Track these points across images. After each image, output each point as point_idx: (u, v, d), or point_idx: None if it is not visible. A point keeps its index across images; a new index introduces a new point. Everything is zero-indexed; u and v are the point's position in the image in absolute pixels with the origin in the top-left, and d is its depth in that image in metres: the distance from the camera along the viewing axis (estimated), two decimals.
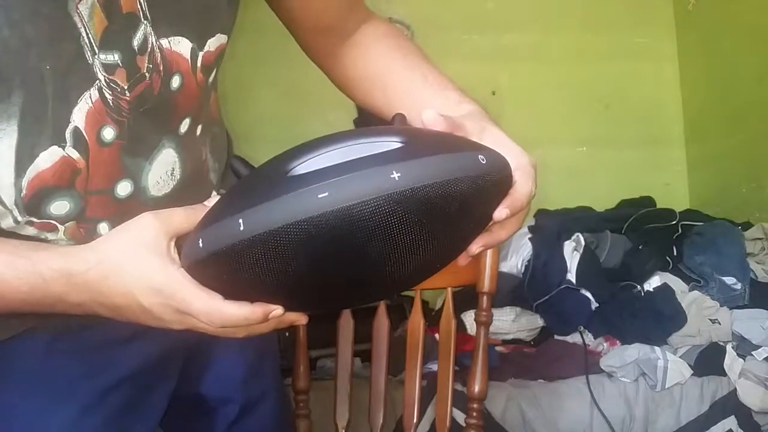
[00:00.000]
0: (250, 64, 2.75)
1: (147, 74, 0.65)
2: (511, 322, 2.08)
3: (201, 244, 0.53)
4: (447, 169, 0.49)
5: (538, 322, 2.11)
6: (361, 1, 0.87)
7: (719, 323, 1.98)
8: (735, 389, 1.82)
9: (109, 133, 0.64)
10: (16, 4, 0.54)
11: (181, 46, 0.68)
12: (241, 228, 0.49)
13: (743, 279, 2.08)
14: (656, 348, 1.92)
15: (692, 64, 2.87)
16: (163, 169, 0.71)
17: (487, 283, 1.29)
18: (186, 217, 0.57)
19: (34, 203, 0.62)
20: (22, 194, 0.60)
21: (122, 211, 0.66)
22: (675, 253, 2.25)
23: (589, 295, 2.13)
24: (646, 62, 2.92)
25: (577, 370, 1.90)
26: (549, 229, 2.31)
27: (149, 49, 0.65)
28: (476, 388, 1.27)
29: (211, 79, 0.75)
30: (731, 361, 1.87)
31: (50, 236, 0.66)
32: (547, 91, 2.90)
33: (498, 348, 2.02)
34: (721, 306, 2.03)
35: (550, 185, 2.82)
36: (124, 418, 0.76)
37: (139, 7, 0.63)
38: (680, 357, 1.92)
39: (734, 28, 2.55)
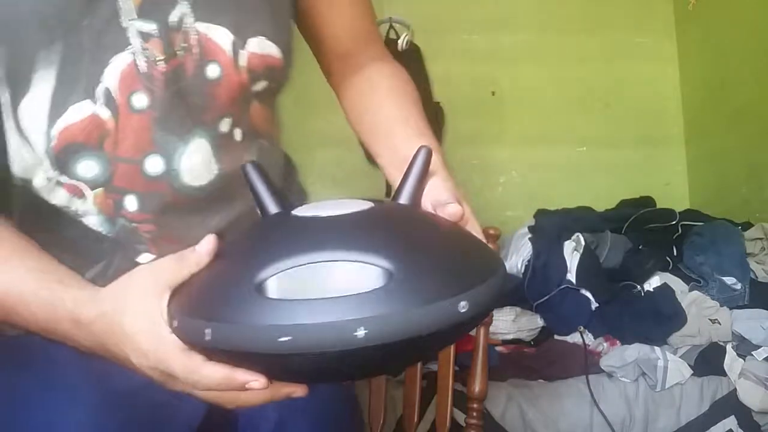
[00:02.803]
0: None
1: (181, 52, 0.67)
2: (511, 322, 2.08)
3: (175, 325, 0.54)
4: (419, 326, 0.48)
5: (538, 322, 2.11)
6: (379, 39, 0.91)
7: (719, 323, 1.98)
8: (735, 389, 1.82)
9: (140, 100, 0.66)
10: None
11: (220, 35, 0.69)
12: (207, 338, 0.50)
13: (743, 279, 2.08)
14: (656, 348, 1.92)
15: (692, 64, 2.87)
16: (199, 157, 0.71)
17: None
18: (176, 269, 0.56)
19: (62, 157, 0.64)
20: (52, 144, 0.64)
21: (152, 190, 0.68)
22: (675, 253, 2.25)
23: (589, 295, 2.13)
24: (646, 62, 2.93)
25: (577, 370, 1.90)
26: (549, 229, 2.31)
27: (184, 29, 0.67)
28: (476, 388, 1.27)
29: (257, 87, 0.75)
30: (731, 361, 1.87)
31: (80, 205, 0.68)
32: (547, 91, 2.90)
33: (498, 348, 2.02)
34: (721, 306, 2.03)
35: (550, 185, 2.85)
36: (151, 420, 0.75)
37: None
38: (680, 357, 1.92)
39: (734, 28, 2.55)
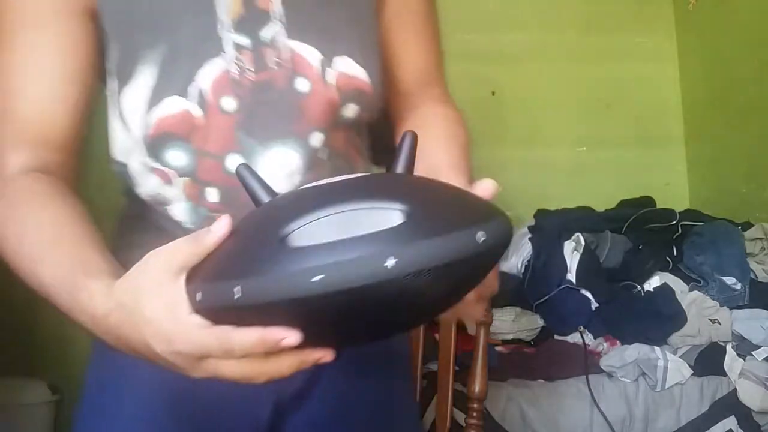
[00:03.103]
0: None
1: (273, 67, 0.74)
2: (511, 322, 2.08)
3: (199, 298, 0.53)
4: (443, 254, 0.50)
5: (538, 322, 2.11)
6: (441, 81, 0.92)
7: (719, 323, 1.98)
8: (735, 389, 1.82)
9: (229, 104, 0.73)
10: None
11: (308, 52, 0.75)
12: (236, 296, 0.50)
13: (743, 279, 2.08)
14: (656, 348, 1.92)
15: (692, 64, 2.87)
16: (279, 164, 0.74)
17: None
18: (191, 250, 0.55)
19: (155, 145, 0.72)
20: (148, 131, 0.72)
21: (230, 185, 0.72)
22: (675, 253, 2.25)
23: (589, 295, 2.13)
24: (646, 62, 2.92)
25: (577, 370, 1.90)
26: (549, 229, 2.31)
27: (277, 46, 0.74)
28: (476, 388, 1.27)
29: (348, 111, 0.77)
30: (731, 361, 1.87)
31: (168, 191, 0.75)
32: (547, 91, 2.90)
33: (498, 348, 2.02)
34: (721, 306, 2.03)
35: (550, 185, 2.85)
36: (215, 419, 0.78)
37: (272, 7, 0.74)
38: (680, 357, 1.92)
39: (734, 28, 2.55)
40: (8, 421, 2.31)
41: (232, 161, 0.73)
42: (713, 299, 2.05)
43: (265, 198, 0.59)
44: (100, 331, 0.59)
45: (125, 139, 0.75)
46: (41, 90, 0.72)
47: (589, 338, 2.02)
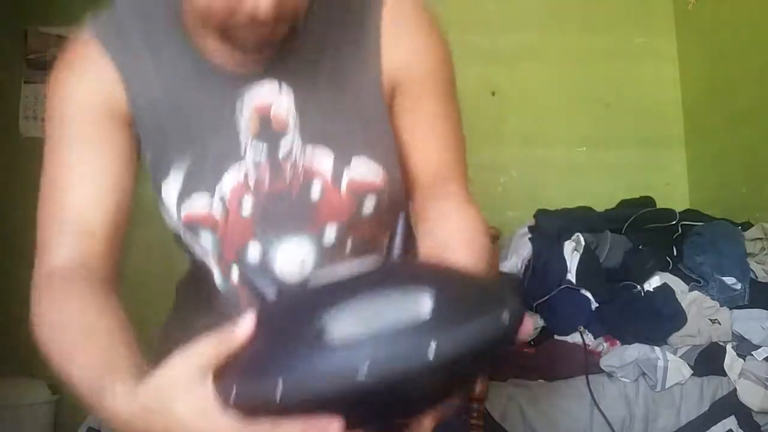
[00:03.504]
0: None
1: (288, 177, 0.81)
2: None
3: (234, 396, 0.53)
4: (476, 339, 0.53)
5: (538, 322, 2.11)
6: (460, 177, 0.92)
7: (719, 323, 1.98)
8: (735, 389, 1.82)
9: (246, 210, 0.82)
10: (205, 105, 0.80)
11: (323, 156, 0.81)
12: (279, 394, 0.51)
13: (743, 279, 2.08)
14: (656, 348, 1.92)
15: (692, 64, 2.87)
16: (294, 254, 0.82)
17: None
18: (217, 350, 0.56)
19: (189, 228, 0.83)
20: (182, 216, 0.83)
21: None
22: (675, 253, 2.25)
23: (589, 295, 2.13)
24: (646, 62, 2.92)
25: (577, 370, 1.90)
26: (549, 229, 2.31)
27: (291, 158, 0.81)
28: (476, 388, 1.27)
29: (366, 208, 0.80)
30: (731, 361, 1.87)
31: (208, 261, 0.86)
32: (547, 91, 2.90)
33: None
34: (721, 306, 2.03)
35: (550, 185, 2.85)
36: None
37: (287, 122, 0.81)
38: (680, 357, 1.92)
39: (734, 28, 2.55)
40: (8, 421, 2.31)
41: (253, 249, 0.82)
42: (713, 299, 2.05)
43: (271, 292, 0.62)
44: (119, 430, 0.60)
45: (169, 219, 0.86)
46: (87, 192, 0.80)
47: (589, 338, 2.02)
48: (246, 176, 0.81)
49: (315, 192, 0.81)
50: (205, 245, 0.84)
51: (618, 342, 2.02)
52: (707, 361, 1.89)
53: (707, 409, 1.82)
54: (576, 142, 2.89)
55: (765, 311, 1.99)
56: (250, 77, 0.80)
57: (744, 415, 1.80)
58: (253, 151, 0.81)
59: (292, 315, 0.56)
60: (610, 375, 1.89)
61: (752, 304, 2.03)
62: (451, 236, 0.77)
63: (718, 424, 1.80)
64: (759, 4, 2.39)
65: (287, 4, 0.69)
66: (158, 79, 0.80)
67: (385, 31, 0.84)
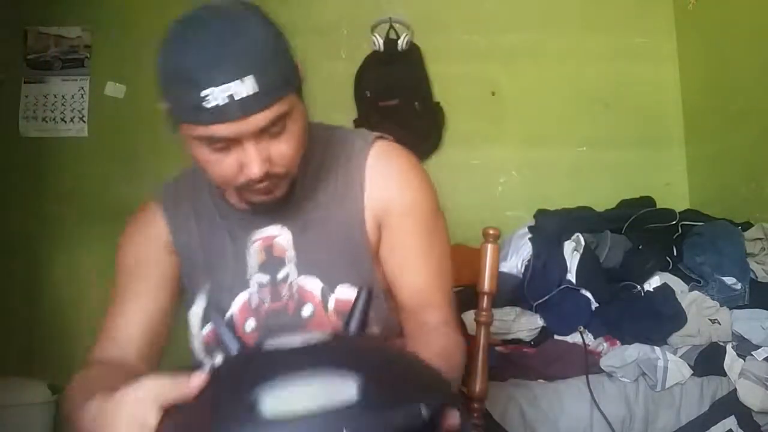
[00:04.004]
0: None
1: (284, 298, 1.01)
2: (511, 322, 2.08)
3: None
4: (390, 425, 0.58)
5: (538, 322, 2.11)
6: (445, 304, 1.05)
7: (719, 323, 1.98)
8: (735, 389, 1.82)
9: (250, 325, 1.02)
10: (224, 242, 1.05)
11: (313, 284, 1.01)
12: None
13: (743, 279, 2.08)
14: (656, 348, 1.92)
15: (692, 64, 2.86)
16: None
17: (487, 283, 1.29)
18: (173, 393, 0.65)
19: (207, 350, 1.03)
20: (201, 341, 1.04)
21: None
22: (675, 253, 2.25)
23: (589, 295, 2.13)
24: (646, 62, 2.92)
25: (577, 370, 1.90)
26: (549, 229, 2.31)
27: (288, 282, 1.02)
28: (476, 388, 1.27)
29: (353, 328, 0.87)
30: (731, 361, 1.87)
31: None
32: (547, 91, 2.90)
33: (498, 348, 2.02)
34: (721, 306, 2.03)
35: (550, 185, 2.85)
36: None
37: (288, 255, 1.02)
38: (680, 357, 1.92)
39: (734, 28, 2.55)
40: (8, 421, 2.31)
41: None
42: (713, 299, 2.05)
43: (234, 349, 0.70)
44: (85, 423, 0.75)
45: (194, 344, 1.07)
46: (135, 321, 1.04)
47: (589, 338, 2.02)
48: (250, 298, 1.03)
49: (307, 311, 1.00)
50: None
51: (618, 342, 2.02)
52: (707, 361, 1.89)
53: (707, 409, 1.82)
54: (576, 142, 2.89)
55: (765, 311, 1.99)
56: (259, 222, 1.03)
57: (744, 415, 1.80)
58: (258, 278, 1.03)
59: (236, 381, 0.62)
60: (610, 375, 1.89)
61: (752, 304, 2.03)
62: (430, 355, 0.82)
63: (718, 424, 1.80)
64: (759, 4, 2.39)
65: (274, 168, 0.91)
66: (195, 227, 1.07)
67: (368, 173, 1.03)
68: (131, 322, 1.04)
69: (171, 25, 0.89)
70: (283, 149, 0.91)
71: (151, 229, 1.09)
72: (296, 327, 0.99)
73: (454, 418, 0.63)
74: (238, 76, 0.83)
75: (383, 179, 1.03)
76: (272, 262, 1.02)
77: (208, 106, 0.83)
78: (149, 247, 1.07)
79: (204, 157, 0.90)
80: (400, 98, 2.73)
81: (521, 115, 2.88)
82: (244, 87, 0.83)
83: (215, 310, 0.93)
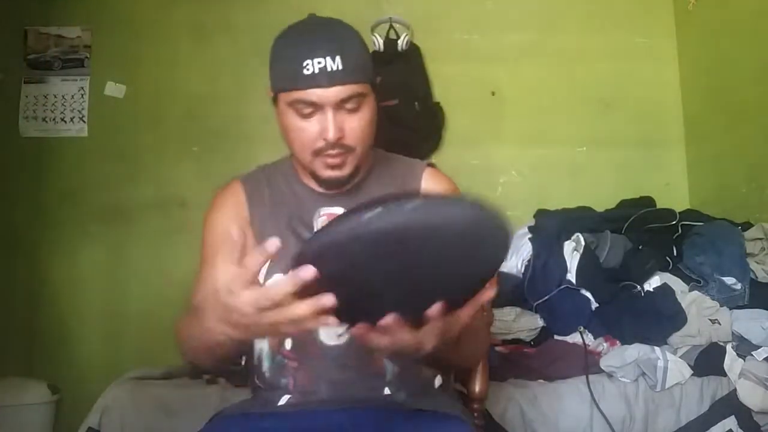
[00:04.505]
0: (250, 63, 2.75)
1: None
2: (511, 322, 2.08)
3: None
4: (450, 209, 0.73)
5: (538, 322, 2.11)
6: None
7: (719, 323, 1.98)
8: (735, 389, 1.82)
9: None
10: (295, 207, 1.18)
11: None
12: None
13: (743, 279, 2.08)
14: (656, 348, 1.92)
15: (692, 64, 2.87)
16: (335, 330, 1.07)
17: None
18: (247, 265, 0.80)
19: None
20: None
21: (302, 339, 1.11)
22: (675, 253, 2.25)
23: (589, 295, 2.13)
24: (646, 62, 2.92)
25: (577, 370, 1.90)
26: (549, 229, 2.31)
27: None
28: (476, 388, 1.27)
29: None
30: (731, 361, 1.87)
31: (260, 344, 1.16)
32: (547, 91, 2.90)
33: (498, 348, 2.02)
34: (721, 306, 2.03)
35: (550, 185, 2.85)
36: None
37: None
38: (680, 357, 1.92)
39: (734, 28, 2.55)
40: (8, 421, 2.31)
41: None
42: (713, 299, 2.05)
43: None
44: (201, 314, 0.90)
45: None
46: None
47: (589, 338, 2.02)
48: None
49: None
50: None
51: (618, 342, 2.02)
52: (707, 361, 1.89)
53: (707, 409, 1.82)
54: (576, 142, 2.89)
55: (765, 311, 1.99)
56: (327, 202, 1.17)
57: (744, 415, 1.80)
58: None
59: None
60: (610, 375, 1.89)
61: (752, 304, 2.03)
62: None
63: (718, 424, 1.80)
64: (759, 4, 2.39)
65: (346, 139, 1.08)
66: (269, 202, 1.20)
67: (423, 186, 1.21)
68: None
69: (282, 30, 1.13)
70: (355, 124, 1.09)
71: (234, 202, 1.22)
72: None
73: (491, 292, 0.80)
74: (330, 53, 1.06)
75: (438, 189, 1.23)
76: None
77: (307, 72, 1.05)
78: (232, 219, 1.19)
79: (294, 123, 1.09)
80: (400, 98, 2.73)
81: (521, 115, 2.88)
82: (333, 63, 1.06)
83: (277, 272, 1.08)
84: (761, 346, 1.89)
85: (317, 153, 1.10)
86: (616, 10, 2.93)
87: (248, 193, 1.22)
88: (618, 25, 2.92)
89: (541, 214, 2.44)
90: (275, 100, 1.13)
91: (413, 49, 2.81)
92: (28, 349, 2.65)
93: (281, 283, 0.77)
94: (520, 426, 1.79)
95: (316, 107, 1.07)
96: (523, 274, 2.20)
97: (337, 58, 1.06)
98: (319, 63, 1.05)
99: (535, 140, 2.87)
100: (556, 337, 2.08)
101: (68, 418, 2.41)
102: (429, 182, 1.22)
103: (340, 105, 1.07)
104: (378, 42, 2.77)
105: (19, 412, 2.32)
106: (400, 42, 2.77)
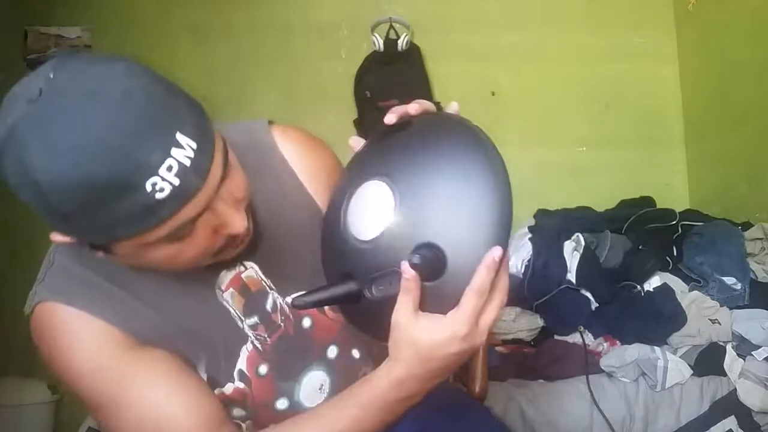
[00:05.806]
0: (250, 64, 2.75)
1: (281, 324, 0.95)
2: (511, 322, 2.08)
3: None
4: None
5: (538, 322, 2.11)
6: None
7: (719, 323, 1.98)
8: (735, 389, 1.82)
9: (263, 369, 0.94)
10: (190, 311, 0.88)
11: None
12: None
13: (743, 279, 2.08)
14: (656, 348, 1.92)
15: (692, 64, 2.87)
16: (312, 386, 0.97)
17: None
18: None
19: (224, 405, 0.91)
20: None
21: (283, 419, 0.88)
22: (675, 253, 2.25)
23: (589, 295, 2.13)
24: (646, 62, 2.92)
25: (577, 370, 1.90)
26: (549, 229, 2.31)
27: (279, 308, 0.95)
28: (476, 388, 1.27)
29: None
30: (731, 361, 1.87)
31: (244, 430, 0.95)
32: (547, 91, 2.90)
33: (498, 348, 2.02)
34: (721, 306, 2.03)
35: (550, 185, 2.85)
36: None
37: (264, 284, 0.94)
38: (680, 357, 1.92)
39: (734, 28, 2.55)
40: (8, 421, 2.31)
41: (281, 403, 0.95)
42: (713, 299, 2.05)
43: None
44: (397, 393, 0.78)
45: None
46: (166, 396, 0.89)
47: (589, 338, 2.02)
48: (253, 346, 0.93)
49: (306, 323, 0.97)
50: (238, 416, 0.93)
51: (618, 342, 2.02)
52: (707, 361, 1.89)
53: (707, 409, 1.82)
54: (576, 142, 2.89)
55: (765, 311, 1.99)
56: (214, 271, 0.90)
57: (744, 415, 1.80)
58: (248, 321, 0.93)
59: None
60: (610, 375, 1.89)
61: (752, 304, 2.03)
62: None
63: (718, 424, 1.80)
64: (759, 4, 2.39)
65: (247, 214, 0.81)
66: (144, 309, 0.86)
67: (287, 157, 0.97)
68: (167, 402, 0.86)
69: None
70: (239, 182, 0.79)
71: (89, 333, 0.89)
72: (303, 345, 0.96)
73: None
74: (168, 141, 0.68)
75: (300, 152, 0.98)
76: (252, 298, 0.91)
77: (162, 196, 0.68)
78: (106, 347, 0.87)
79: (164, 256, 0.76)
80: (400, 98, 2.72)
81: (521, 115, 2.88)
82: (182, 150, 0.68)
83: (221, 377, 0.91)
84: (761, 346, 1.89)
85: (218, 252, 0.81)
86: (616, 10, 2.93)
87: (96, 311, 0.86)
88: (618, 25, 2.92)
89: (541, 214, 2.44)
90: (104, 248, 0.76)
91: (413, 49, 2.81)
92: (28, 349, 2.65)
93: (479, 275, 0.72)
94: (520, 426, 1.79)
95: (198, 215, 0.74)
96: (523, 273, 2.20)
97: (180, 138, 0.69)
98: (169, 169, 0.67)
99: (535, 140, 2.87)
100: (556, 337, 2.08)
101: (68, 418, 2.41)
102: (287, 145, 0.98)
103: (221, 184, 0.74)
104: (378, 42, 2.77)
105: (19, 412, 2.32)
106: (400, 42, 2.77)
